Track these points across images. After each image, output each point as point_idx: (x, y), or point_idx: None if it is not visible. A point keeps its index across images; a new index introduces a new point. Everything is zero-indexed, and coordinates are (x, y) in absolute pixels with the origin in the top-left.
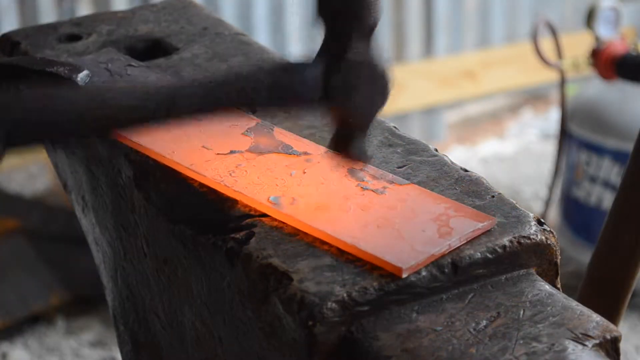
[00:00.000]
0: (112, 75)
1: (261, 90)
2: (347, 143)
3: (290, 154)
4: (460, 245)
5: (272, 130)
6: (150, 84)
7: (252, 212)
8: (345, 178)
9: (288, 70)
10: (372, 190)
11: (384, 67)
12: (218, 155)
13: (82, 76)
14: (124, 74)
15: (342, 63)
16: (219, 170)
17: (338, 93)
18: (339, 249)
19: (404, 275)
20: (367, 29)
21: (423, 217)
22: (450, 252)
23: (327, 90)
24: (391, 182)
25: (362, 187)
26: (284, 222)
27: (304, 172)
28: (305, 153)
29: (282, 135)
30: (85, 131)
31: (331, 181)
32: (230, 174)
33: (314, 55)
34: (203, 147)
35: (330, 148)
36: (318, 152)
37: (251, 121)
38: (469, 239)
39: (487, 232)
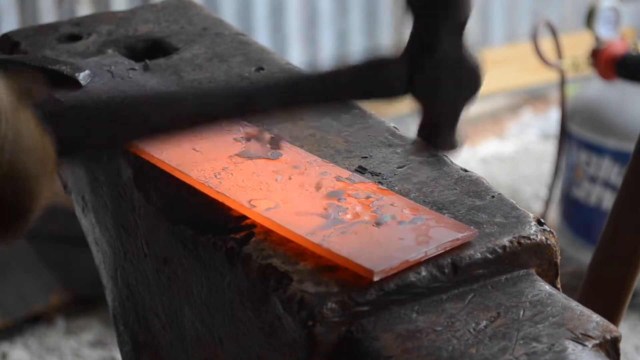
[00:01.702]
0: (113, 77)
1: (345, 85)
2: (434, 134)
3: (278, 160)
4: (438, 255)
5: (263, 136)
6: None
7: None
8: (330, 186)
9: (374, 64)
10: (355, 198)
11: (474, 60)
12: (206, 157)
13: (83, 75)
14: (126, 77)
15: (430, 56)
16: (205, 172)
17: (425, 87)
18: None
19: (376, 279)
20: (457, 22)
21: (403, 226)
22: (426, 260)
23: (414, 84)
24: (375, 192)
25: (345, 195)
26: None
27: (290, 178)
28: (294, 160)
29: None
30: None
31: (315, 189)
32: (216, 176)
33: (403, 46)
34: (193, 149)
35: (418, 137)
36: (307, 160)
37: (245, 127)
38: (446, 249)
39: (488, 233)
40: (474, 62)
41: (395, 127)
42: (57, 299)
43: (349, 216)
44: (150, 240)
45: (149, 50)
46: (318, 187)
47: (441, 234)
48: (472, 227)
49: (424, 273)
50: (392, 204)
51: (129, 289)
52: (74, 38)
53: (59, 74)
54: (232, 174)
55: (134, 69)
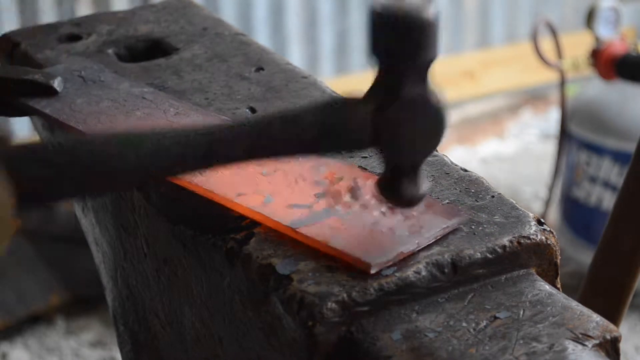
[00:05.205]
0: (85, 82)
1: (308, 132)
2: (396, 185)
3: None
4: (430, 244)
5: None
6: (183, 129)
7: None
8: (316, 177)
9: (337, 107)
10: (342, 188)
11: (439, 106)
12: None
13: (58, 82)
14: (98, 81)
15: (394, 101)
16: None
17: (388, 131)
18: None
19: (373, 272)
20: (423, 67)
21: (394, 216)
22: (419, 250)
23: (377, 129)
24: (360, 178)
25: (332, 185)
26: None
27: (275, 171)
28: None
29: None
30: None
31: (303, 181)
32: (201, 173)
33: (367, 92)
34: None
35: (378, 190)
36: None
37: (224, 122)
38: (438, 238)
39: (488, 233)
40: (438, 108)
41: None
42: (57, 299)
43: (339, 207)
44: (150, 240)
45: (149, 50)
46: (304, 178)
47: (432, 222)
48: (462, 210)
49: (424, 273)
50: None
51: (129, 289)
52: (74, 38)
53: (34, 83)
54: (217, 170)
55: (104, 72)
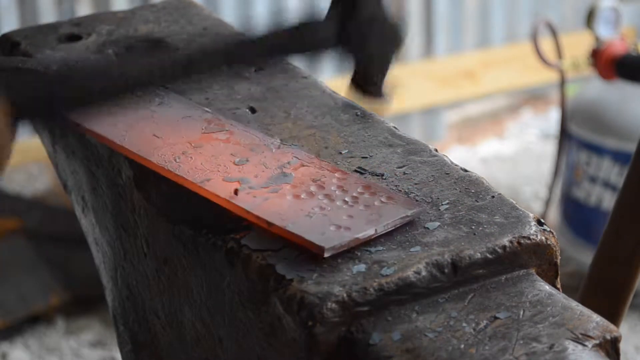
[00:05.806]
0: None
1: (282, 42)
2: (365, 82)
3: (237, 143)
4: (387, 232)
5: (223, 121)
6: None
7: None
8: (285, 167)
9: (305, 21)
10: (310, 178)
11: (394, 22)
12: (167, 142)
13: None
14: None
15: (354, 14)
16: (165, 156)
17: (353, 39)
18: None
19: (327, 255)
20: None
21: (356, 205)
22: (377, 237)
23: (344, 38)
24: (330, 171)
25: (300, 175)
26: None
27: (247, 160)
28: (252, 142)
29: (232, 126)
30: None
31: (272, 169)
32: (175, 160)
33: (327, 15)
34: (154, 135)
35: (351, 89)
36: (264, 143)
37: (205, 113)
38: (396, 226)
39: (488, 233)
40: (394, 19)
41: (395, 127)
42: (57, 299)
43: (303, 196)
44: (150, 240)
45: (149, 50)
46: (273, 168)
47: (391, 211)
48: (421, 203)
49: (424, 273)
50: (345, 183)
51: (128, 289)
52: (74, 38)
53: (35, 71)
54: (191, 157)
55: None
